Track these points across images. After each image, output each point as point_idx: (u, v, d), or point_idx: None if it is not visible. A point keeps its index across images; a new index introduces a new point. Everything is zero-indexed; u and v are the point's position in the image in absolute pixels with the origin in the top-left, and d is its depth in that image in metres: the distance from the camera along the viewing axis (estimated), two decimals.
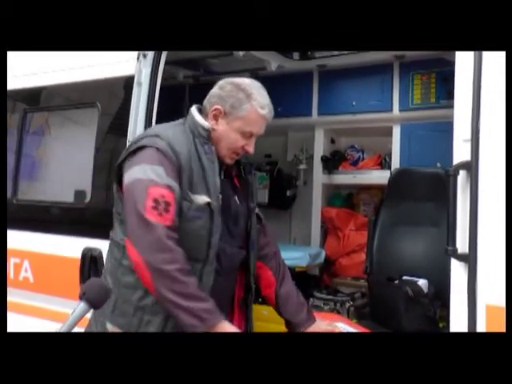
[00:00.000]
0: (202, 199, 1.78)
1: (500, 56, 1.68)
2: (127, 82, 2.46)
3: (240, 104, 1.84)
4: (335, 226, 3.95)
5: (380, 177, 3.67)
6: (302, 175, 4.21)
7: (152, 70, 2.48)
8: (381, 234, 3.14)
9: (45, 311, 2.52)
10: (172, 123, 1.91)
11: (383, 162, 3.84)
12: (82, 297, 1.32)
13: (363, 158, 3.97)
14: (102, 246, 2.37)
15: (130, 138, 2.35)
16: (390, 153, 3.74)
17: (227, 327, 1.68)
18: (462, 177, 1.79)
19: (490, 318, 1.62)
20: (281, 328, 3.03)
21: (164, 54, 2.53)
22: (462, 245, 1.76)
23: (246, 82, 1.89)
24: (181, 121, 1.92)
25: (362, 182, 3.91)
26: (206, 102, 1.91)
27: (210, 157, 1.83)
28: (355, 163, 3.96)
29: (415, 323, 2.62)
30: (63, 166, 2.69)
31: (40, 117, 2.83)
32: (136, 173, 1.70)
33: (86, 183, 2.50)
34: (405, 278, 2.83)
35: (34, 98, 2.85)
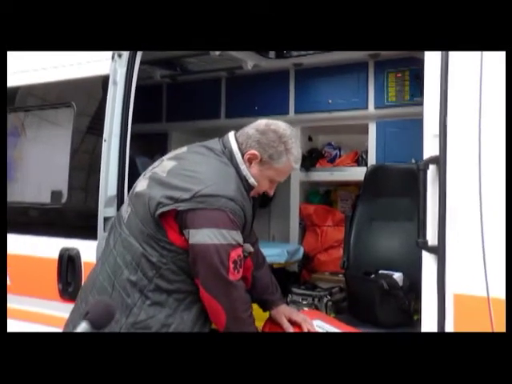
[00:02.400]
0: (249, 248, 1.97)
1: (465, 55, 1.74)
2: (103, 82, 2.46)
3: (278, 157, 1.93)
4: (313, 222, 4.00)
5: (357, 173, 3.72)
6: None
7: (127, 69, 2.48)
8: (357, 229, 3.20)
9: (23, 313, 2.51)
10: (224, 168, 1.91)
11: (360, 159, 3.89)
12: (84, 316, 1.31)
13: (340, 155, 4.02)
14: (79, 245, 2.39)
15: (106, 137, 2.36)
16: (366, 150, 3.80)
17: None
18: (431, 171, 1.84)
19: (458, 306, 1.68)
20: (259, 324, 3.06)
21: (139, 54, 2.53)
22: (432, 237, 1.81)
23: (288, 133, 1.96)
24: (227, 161, 1.93)
25: (339, 178, 3.96)
26: (241, 138, 1.97)
27: (250, 203, 1.96)
28: (332, 160, 4.01)
29: (390, 316, 2.67)
30: (40, 166, 2.68)
31: (15, 117, 2.81)
32: (214, 236, 1.79)
33: (62, 184, 2.49)
34: (381, 272, 2.87)
35: (8, 98, 2.83)
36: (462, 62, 1.76)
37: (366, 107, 3.66)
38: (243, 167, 1.93)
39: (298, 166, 2.00)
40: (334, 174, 3.94)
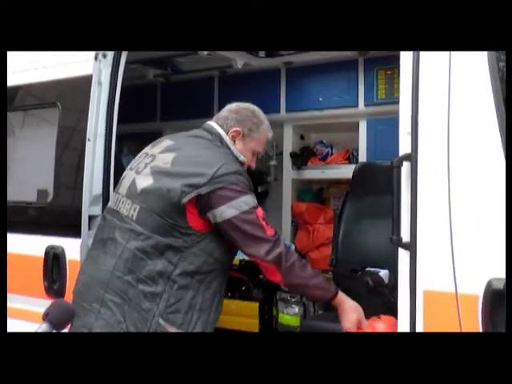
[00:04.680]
0: None
1: (435, 55, 1.76)
2: (89, 82, 2.49)
3: (257, 128, 2.19)
4: (305, 220, 4.01)
5: (348, 171, 3.72)
6: (273, 171, 4.27)
7: (112, 69, 2.50)
8: (346, 226, 3.20)
9: (9, 310, 2.53)
10: (221, 150, 2.09)
11: (351, 157, 3.90)
12: (44, 318, 1.34)
13: (332, 153, 4.02)
14: (65, 243, 2.42)
15: (90, 137, 2.39)
16: (357, 147, 3.81)
17: (343, 296, 2.17)
18: (405, 168, 1.85)
19: (427, 302, 1.69)
20: (247, 321, 3.10)
21: (125, 54, 2.56)
22: (407, 234, 1.83)
23: (256, 108, 2.26)
24: (219, 144, 2.12)
25: (331, 176, 3.97)
26: (220, 121, 2.19)
27: None
28: (324, 158, 4.02)
29: (376, 312, 2.67)
30: (27, 165, 2.72)
31: None
32: (238, 207, 1.95)
33: (48, 182, 2.53)
34: (368, 269, 2.89)
35: None
36: (432, 62, 1.78)
37: (356, 105, 3.67)
38: (233, 148, 2.14)
39: (271, 134, 2.28)
40: (325, 172, 3.96)
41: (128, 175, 2.14)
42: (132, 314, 1.93)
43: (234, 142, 2.16)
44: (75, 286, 2.12)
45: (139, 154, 2.21)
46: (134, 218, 2.01)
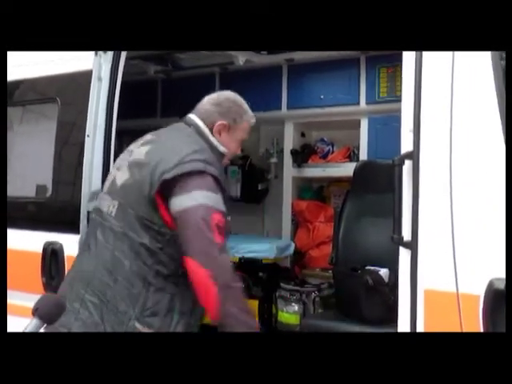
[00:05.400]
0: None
1: (438, 54, 1.75)
2: (89, 77, 2.47)
3: (240, 118, 2.12)
4: (305, 218, 4.00)
5: (349, 169, 3.70)
6: (273, 169, 4.25)
7: (112, 65, 2.49)
8: (346, 225, 3.19)
9: (7, 306, 2.53)
10: (197, 140, 2.02)
11: (352, 155, 3.89)
12: (34, 313, 1.32)
13: (333, 151, 4.01)
14: (63, 239, 2.41)
15: (90, 132, 2.38)
16: (358, 145, 3.79)
17: None
18: (407, 166, 1.83)
19: (428, 302, 1.68)
20: None
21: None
22: (408, 232, 1.81)
23: (238, 97, 2.17)
24: (196, 135, 2.04)
25: (331, 174, 3.96)
26: (202, 115, 2.10)
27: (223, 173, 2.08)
28: (325, 156, 4.00)
29: (376, 311, 2.67)
30: (26, 161, 2.70)
31: None
32: (198, 197, 1.84)
33: (47, 178, 2.52)
34: (368, 267, 2.88)
35: None
36: (435, 60, 1.77)
37: (358, 103, 3.65)
38: (213, 139, 2.07)
39: (254, 120, 2.19)
40: (325, 170, 3.94)
41: (112, 173, 2.14)
42: (110, 316, 1.90)
43: (220, 134, 2.09)
44: (62, 284, 2.13)
45: (123, 151, 2.17)
46: (113, 214, 1.98)
